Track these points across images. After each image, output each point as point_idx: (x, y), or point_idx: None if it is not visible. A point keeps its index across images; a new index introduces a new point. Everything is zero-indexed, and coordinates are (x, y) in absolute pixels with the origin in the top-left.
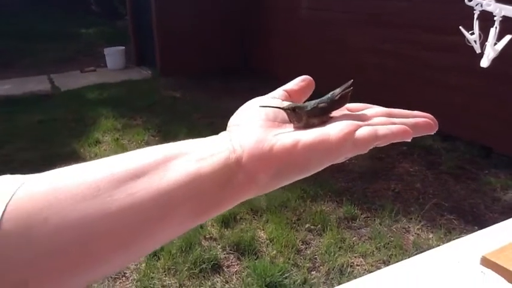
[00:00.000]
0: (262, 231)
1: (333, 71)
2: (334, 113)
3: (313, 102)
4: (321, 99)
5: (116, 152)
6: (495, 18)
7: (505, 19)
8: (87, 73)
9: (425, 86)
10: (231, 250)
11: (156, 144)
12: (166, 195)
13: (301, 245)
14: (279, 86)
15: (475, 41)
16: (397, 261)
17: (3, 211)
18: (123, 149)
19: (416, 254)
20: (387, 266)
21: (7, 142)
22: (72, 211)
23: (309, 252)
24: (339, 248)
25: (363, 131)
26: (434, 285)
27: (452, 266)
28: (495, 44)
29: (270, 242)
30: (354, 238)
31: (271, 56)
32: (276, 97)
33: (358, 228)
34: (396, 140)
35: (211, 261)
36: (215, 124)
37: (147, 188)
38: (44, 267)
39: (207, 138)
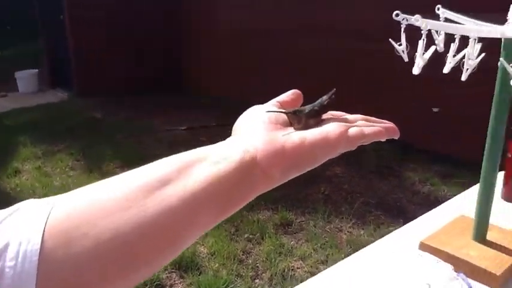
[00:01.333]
0: (203, 246)
1: (259, 82)
2: (324, 116)
3: (308, 107)
4: (313, 104)
5: (39, 182)
6: (422, 32)
7: (430, 32)
8: None
9: (349, 87)
10: (172, 269)
11: (82, 168)
12: (192, 199)
13: (242, 255)
14: (201, 101)
15: (402, 51)
16: (334, 260)
17: (43, 231)
18: (47, 176)
19: (350, 251)
20: (326, 265)
21: None
22: (109, 223)
23: (250, 261)
24: (279, 253)
25: (353, 130)
26: (378, 275)
27: (391, 255)
28: (423, 53)
29: (212, 255)
30: (292, 242)
31: (192, 71)
32: (270, 105)
33: (295, 233)
34: (376, 139)
35: (154, 282)
36: (143, 143)
37: (174, 194)
38: (86, 279)
39: (219, 143)
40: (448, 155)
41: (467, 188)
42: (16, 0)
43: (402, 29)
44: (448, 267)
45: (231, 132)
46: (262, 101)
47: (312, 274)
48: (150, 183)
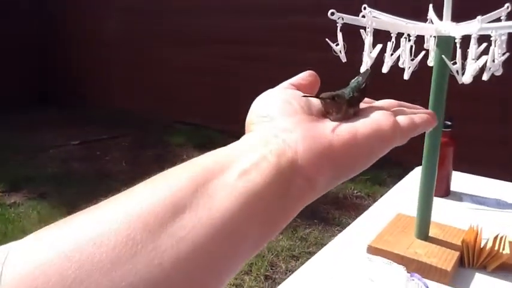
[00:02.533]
0: None
1: (150, 92)
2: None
3: (347, 91)
4: (351, 87)
5: None
6: (368, 30)
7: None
8: None
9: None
10: None
11: None
12: (224, 229)
13: None
14: (87, 113)
15: (340, 51)
16: (257, 269)
17: None
18: None
19: (273, 258)
20: (251, 276)
21: None
22: (105, 282)
23: None
24: None
25: (404, 120)
26: (334, 284)
27: (340, 263)
28: (370, 52)
29: None
30: None
31: (75, 83)
32: (288, 88)
33: None
34: (426, 129)
35: None
36: (34, 161)
37: (197, 225)
38: None
39: (237, 143)
40: None
41: (372, 184)
42: None
43: (338, 28)
44: (401, 269)
45: (126, 145)
46: (150, 111)
47: (238, 286)
48: (158, 213)
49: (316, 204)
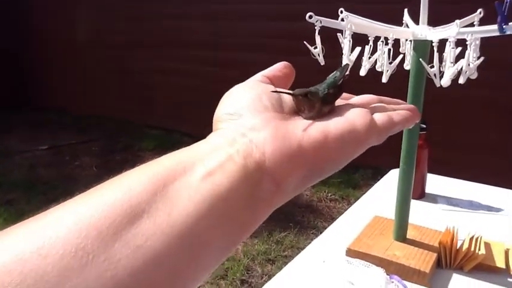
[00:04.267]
0: None
1: (120, 97)
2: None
3: (322, 88)
4: (327, 83)
5: None
6: (347, 33)
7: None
8: None
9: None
10: None
11: None
12: (185, 235)
13: None
14: (54, 118)
15: (318, 54)
16: (233, 273)
17: None
18: None
19: (249, 262)
20: (226, 280)
21: None
22: None
23: None
24: None
25: (381, 119)
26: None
27: (319, 266)
28: (350, 55)
29: None
30: None
31: (39, 85)
32: (261, 81)
33: None
34: (405, 127)
35: None
36: None
37: (156, 233)
38: None
39: (202, 142)
40: None
41: (346, 187)
42: None
43: (316, 32)
44: (380, 271)
45: (96, 150)
46: (121, 116)
47: None
48: (112, 220)
49: (291, 207)
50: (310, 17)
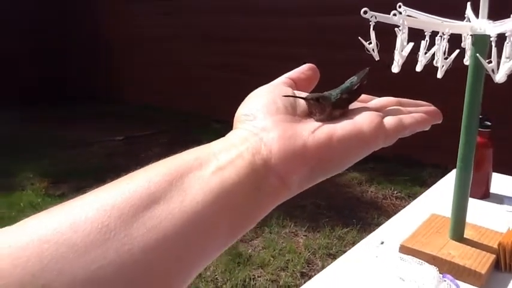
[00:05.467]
0: None
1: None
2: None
3: (335, 93)
4: (341, 88)
5: None
6: (400, 28)
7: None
8: None
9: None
10: None
11: (12, 188)
12: (195, 220)
13: None
14: (127, 109)
15: (373, 50)
16: (294, 266)
17: None
18: None
19: (310, 255)
20: (287, 272)
21: None
22: (78, 268)
23: (208, 273)
24: (237, 263)
25: (391, 121)
26: (365, 282)
27: (372, 261)
28: (402, 50)
29: None
30: (249, 251)
31: (112, 79)
32: (281, 86)
33: (251, 240)
34: (419, 129)
35: None
36: (78, 156)
37: (168, 217)
38: None
39: (220, 140)
40: (388, 154)
41: (413, 185)
42: None
43: (371, 27)
44: (433, 270)
45: (168, 141)
46: (189, 106)
47: (274, 282)
48: (133, 204)
49: (355, 203)
50: (365, 12)
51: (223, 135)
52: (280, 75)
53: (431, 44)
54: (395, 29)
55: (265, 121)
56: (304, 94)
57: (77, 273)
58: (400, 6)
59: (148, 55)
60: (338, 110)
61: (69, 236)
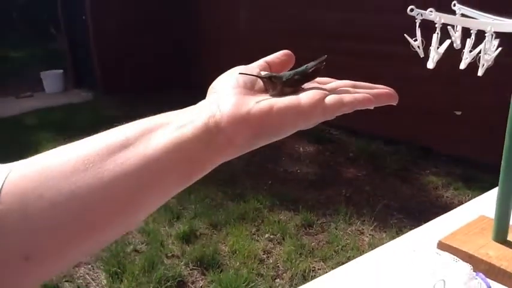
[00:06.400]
0: (224, 245)
1: None
2: (306, 85)
3: (288, 73)
4: (296, 71)
5: None
6: (436, 26)
7: (444, 25)
8: (23, 99)
9: None
10: (194, 266)
11: None
12: (154, 162)
13: (263, 254)
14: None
15: (418, 47)
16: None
17: None
18: None
19: None
20: None
21: None
22: (65, 185)
23: (271, 261)
24: (300, 254)
25: (331, 99)
26: (394, 273)
27: (409, 254)
28: (438, 47)
29: (232, 254)
30: (313, 244)
31: (215, 68)
32: (256, 67)
33: (316, 234)
34: (360, 107)
35: (176, 278)
36: None
37: (134, 157)
38: (42, 241)
39: (186, 108)
40: (470, 159)
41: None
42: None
43: (417, 24)
44: (467, 267)
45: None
46: None
47: None
48: (110, 146)
49: (428, 207)
50: (412, 10)
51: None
52: (375, 73)
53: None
54: (448, 27)
55: (224, 93)
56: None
57: (62, 188)
58: (454, 5)
59: (246, 49)
60: (289, 88)
61: (61, 164)
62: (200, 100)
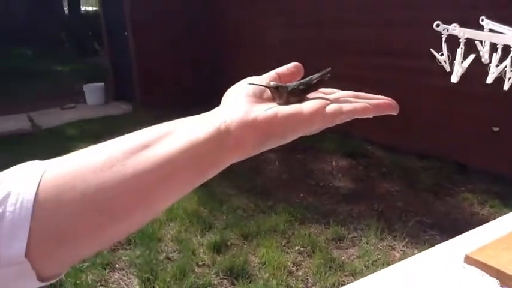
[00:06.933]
0: (254, 256)
1: None
2: (311, 95)
3: (293, 84)
4: (301, 81)
5: None
6: (460, 40)
7: (468, 40)
8: (67, 110)
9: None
10: (224, 275)
11: None
12: (171, 159)
13: (293, 266)
14: None
15: (444, 61)
16: None
17: (38, 185)
18: None
19: None
20: None
21: None
22: (93, 179)
23: (300, 273)
24: (329, 267)
25: (331, 107)
26: (422, 285)
27: (436, 267)
28: (462, 62)
29: (262, 265)
30: (343, 258)
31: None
32: (266, 77)
33: (346, 248)
34: (358, 116)
35: (206, 287)
36: None
37: (154, 155)
38: (72, 227)
39: (201, 114)
40: (507, 176)
41: None
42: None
43: (443, 39)
44: (494, 282)
45: (280, 147)
46: None
47: None
48: (133, 147)
49: (462, 225)
50: (438, 25)
51: (340, 144)
52: (409, 89)
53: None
54: (476, 42)
55: (235, 101)
56: (277, 83)
57: (91, 182)
58: (482, 20)
59: (276, 61)
60: (294, 97)
61: (92, 162)
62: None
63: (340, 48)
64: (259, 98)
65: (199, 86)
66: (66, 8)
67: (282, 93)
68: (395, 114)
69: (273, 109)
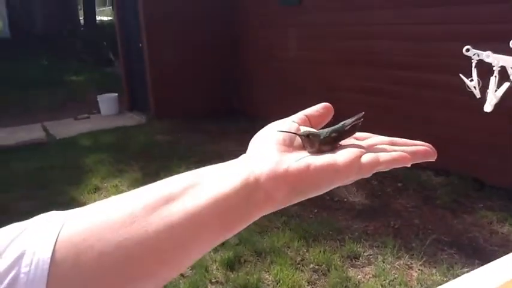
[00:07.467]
0: (268, 273)
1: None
2: (344, 141)
3: (325, 131)
4: (333, 128)
5: None
6: (494, 68)
7: (502, 68)
8: (81, 120)
9: (416, 121)
10: None
11: None
12: (197, 216)
13: (307, 285)
14: (262, 124)
15: (474, 87)
16: None
17: (55, 244)
18: None
19: None
20: None
21: (3, 191)
22: (113, 237)
23: None
24: (345, 287)
25: (367, 157)
26: None
27: None
28: (496, 90)
29: (277, 283)
30: (359, 276)
31: (257, 97)
32: (296, 121)
33: (362, 267)
34: (396, 165)
35: None
36: None
37: (178, 211)
38: (94, 286)
39: (228, 162)
40: None
41: None
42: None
43: (473, 65)
44: None
45: None
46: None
47: None
48: (155, 200)
49: (482, 244)
50: (468, 50)
51: None
52: (427, 103)
53: None
54: (509, 68)
55: (263, 150)
56: (309, 130)
57: (110, 240)
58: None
59: (295, 77)
60: (327, 145)
61: (111, 218)
62: (242, 125)
63: (361, 60)
64: (289, 146)
65: (213, 100)
66: (81, 18)
67: (313, 142)
68: (433, 160)
69: (305, 160)
